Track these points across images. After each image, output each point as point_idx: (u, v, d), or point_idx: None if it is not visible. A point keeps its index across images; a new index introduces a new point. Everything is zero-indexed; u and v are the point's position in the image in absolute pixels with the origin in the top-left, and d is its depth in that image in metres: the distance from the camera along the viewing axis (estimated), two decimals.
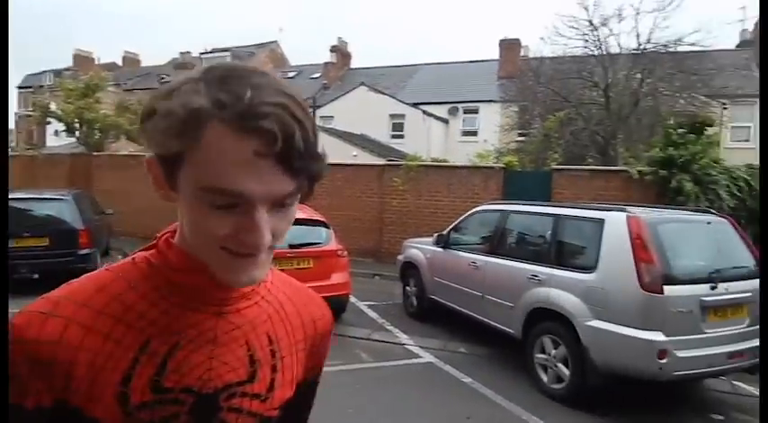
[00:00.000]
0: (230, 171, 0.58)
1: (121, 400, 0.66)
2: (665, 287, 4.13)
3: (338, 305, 6.17)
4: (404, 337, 6.44)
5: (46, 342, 0.63)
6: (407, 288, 7.53)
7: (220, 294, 0.72)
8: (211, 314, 0.72)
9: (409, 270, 7.46)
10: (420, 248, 7.34)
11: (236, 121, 0.57)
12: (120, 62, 37.52)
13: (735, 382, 5.19)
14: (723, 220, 5.02)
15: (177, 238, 0.71)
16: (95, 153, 15.31)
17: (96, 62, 33.92)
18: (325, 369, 0.92)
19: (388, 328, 6.85)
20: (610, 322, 4.28)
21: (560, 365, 4.64)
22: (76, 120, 15.89)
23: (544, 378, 4.81)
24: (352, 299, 7.23)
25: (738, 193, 8.48)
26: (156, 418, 0.67)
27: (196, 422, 0.69)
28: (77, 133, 16.32)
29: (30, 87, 29.75)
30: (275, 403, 0.77)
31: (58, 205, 8.43)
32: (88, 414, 0.66)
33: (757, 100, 17.63)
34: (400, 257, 7.81)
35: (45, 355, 0.63)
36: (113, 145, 17.16)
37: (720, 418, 4.53)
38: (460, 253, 6.40)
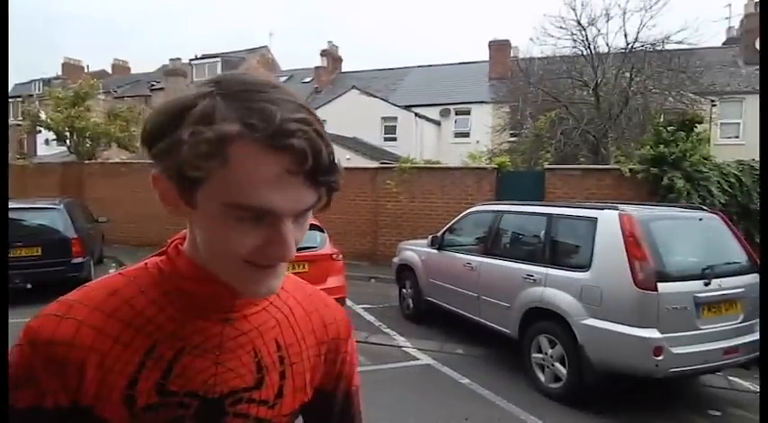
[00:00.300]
0: (260, 189, 0.59)
1: (128, 402, 0.67)
2: (659, 284, 4.15)
3: None
4: (401, 340, 6.44)
5: (60, 343, 0.66)
6: (403, 290, 7.53)
7: (227, 301, 0.72)
8: (218, 320, 0.73)
9: (405, 272, 7.46)
10: (415, 250, 7.35)
11: (266, 140, 0.58)
12: (109, 70, 37.29)
13: (731, 378, 5.22)
14: (714, 216, 5.06)
15: (187, 247, 0.72)
16: (86, 161, 15.22)
17: (86, 70, 33.69)
18: None
19: (385, 330, 6.85)
20: (605, 320, 4.30)
21: (557, 364, 4.66)
22: (67, 128, 15.77)
23: (541, 377, 4.82)
24: (349, 302, 7.22)
25: (729, 190, 8.53)
26: (161, 420, 0.68)
27: None
28: (68, 142, 16.20)
29: (19, 96, 29.51)
30: (284, 410, 0.77)
31: (50, 214, 8.38)
32: (98, 413, 0.67)
33: (745, 96, 17.83)
34: (395, 260, 7.81)
35: (59, 356, 0.66)
36: (104, 153, 17.05)
37: (717, 413, 4.55)
38: (455, 254, 6.41)
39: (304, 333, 0.81)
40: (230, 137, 0.58)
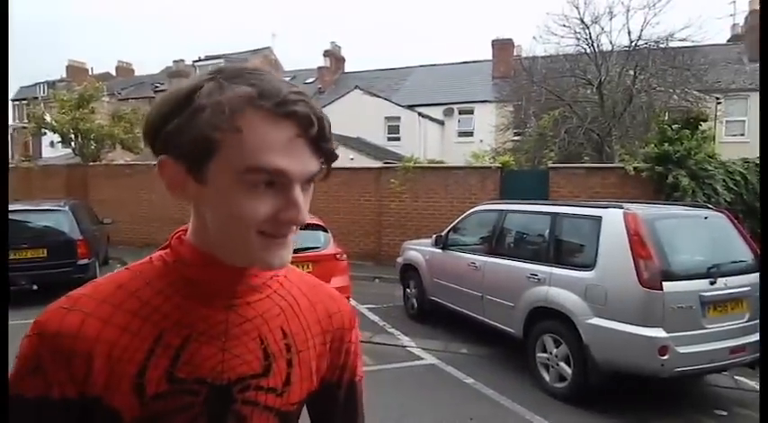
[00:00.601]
0: (273, 152, 0.63)
1: (138, 390, 0.69)
2: (665, 283, 4.13)
3: None
4: (405, 340, 6.44)
5: (66, 335, 0.67)
6: (408, 290, 7.53)
7: (230, 287, 0.74)
8: (222, 307, 0.74)
9: (409, 272, 7.46)
10: (419, 250, 7.34)
11: (274, 108, 0.63)
12: (113, 72, 37.46)
13: (737, 378, 5.19)
14: (720, 214, 5.03)
15: (191, 235, 0.74)
16: (91, 163, 15.29)
17: (90, 72, 33.82)
18: None
19: (390, 330, 6.85)
20: (610, 320, 4.29)
21: (562, 364, 4.64)
22: (71, 130, 15.85)
23: (546, 377, 4.81)
24: (353, 302, 7.22)
25: (735, 188, 8.50)
26: (170, 408, 0.70)
27: (210, 412, 0.72)
28: (73, 144, 16.28)
29: (24, 99, 29.70)
30: (292, 398, 0.78)
31: (55, 216, 8.42)
32: (107, 403, 0.69)
33: (750, 94, 17.74)
34: (399, 259, 7.81)
35: (65, 347, 0.67)
36: (109, 155, 17.13)
37: (723, 413, 4.53)
38: (459, 254, 6.40)
39: (309, 322, 0.82)
40: (244, 100, 0.63)
